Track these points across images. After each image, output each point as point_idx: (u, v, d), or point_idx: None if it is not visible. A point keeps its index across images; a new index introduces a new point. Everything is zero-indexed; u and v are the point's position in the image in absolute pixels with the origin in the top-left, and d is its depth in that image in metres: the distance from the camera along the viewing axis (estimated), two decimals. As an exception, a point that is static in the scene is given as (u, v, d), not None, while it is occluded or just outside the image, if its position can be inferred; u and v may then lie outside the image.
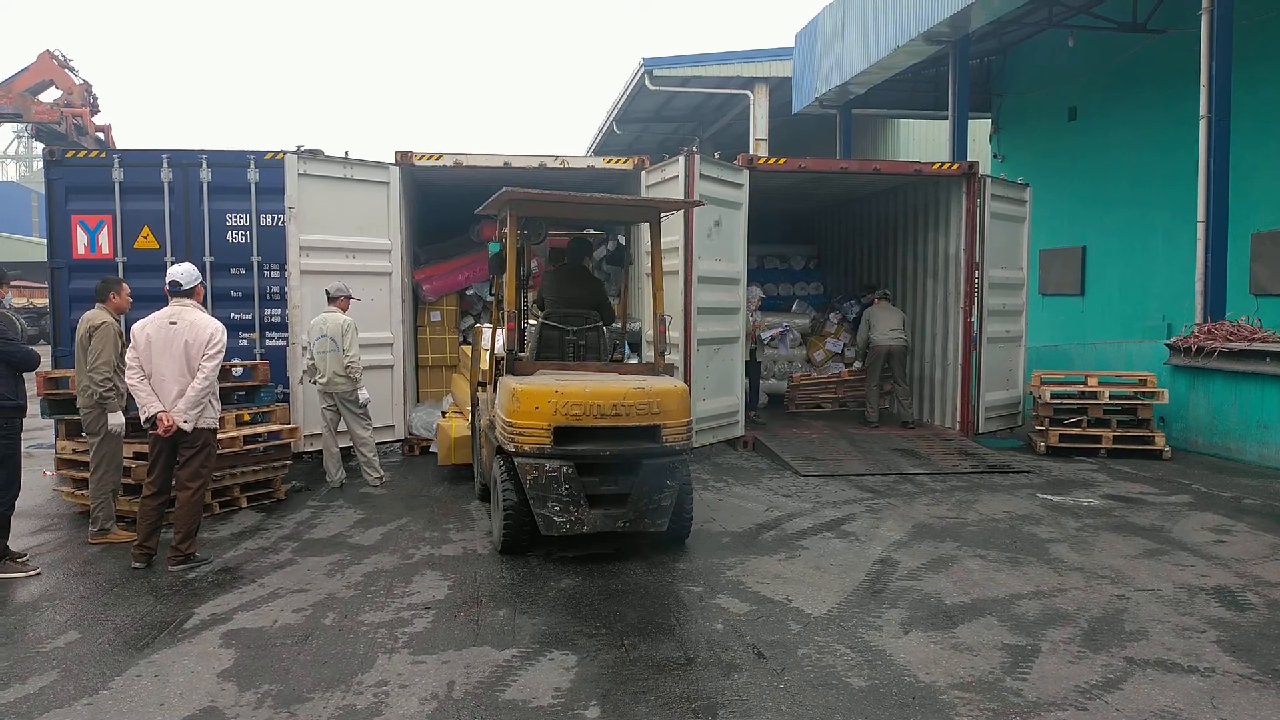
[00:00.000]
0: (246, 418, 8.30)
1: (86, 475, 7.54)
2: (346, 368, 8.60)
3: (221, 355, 6.25)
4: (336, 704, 4.18)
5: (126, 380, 6.29)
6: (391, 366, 10.27)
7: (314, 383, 8.80)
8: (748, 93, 21.01)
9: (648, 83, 20.71)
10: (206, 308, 6.48)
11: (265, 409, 8.51)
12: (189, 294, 6.35)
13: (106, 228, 10.03)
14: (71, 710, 4.14)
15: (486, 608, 5.44)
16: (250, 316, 10.30)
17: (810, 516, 7.67)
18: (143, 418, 6.19)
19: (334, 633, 5.05)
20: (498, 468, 6.48)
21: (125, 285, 7.18)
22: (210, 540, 6.81)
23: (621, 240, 11.26)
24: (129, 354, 6.22)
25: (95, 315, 6.93)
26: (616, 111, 23.86)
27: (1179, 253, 12.89)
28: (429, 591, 5.74)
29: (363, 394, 8.79)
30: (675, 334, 10.19)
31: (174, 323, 6.19)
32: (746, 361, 11.24)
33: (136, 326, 6.28)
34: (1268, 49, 12.43)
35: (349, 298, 8.96)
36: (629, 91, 21.97)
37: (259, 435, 8.09)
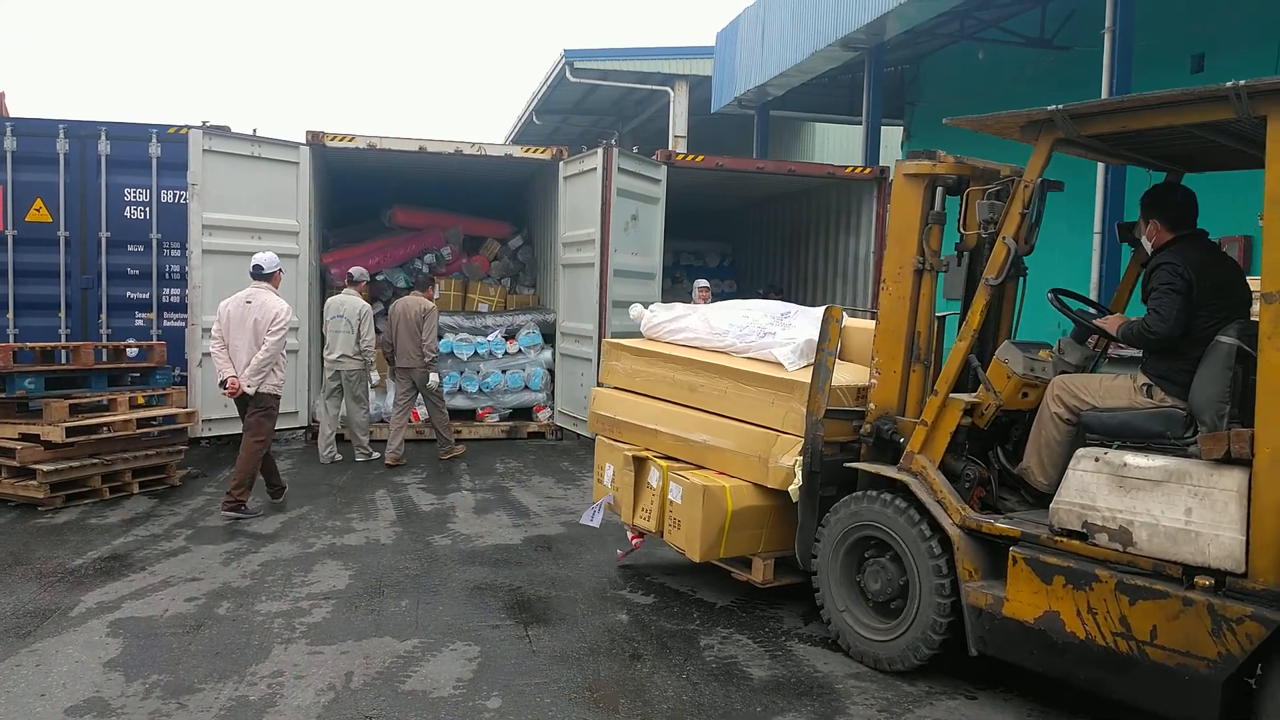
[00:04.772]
0: (140, 400, 8.03)
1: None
2: (363, 353, 9.16)
3: (284, 332, 7.08)
4: (229, 695, 4.07)
5: (210, 349, 7.22)
6: (297, 351, 9.99)
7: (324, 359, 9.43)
8: (668, 89, 21.08)
9: (569, 74, 20.59)
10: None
11: (160, 391, 8.22)
12: (268, 278, 7.25)
13: (-5, 198, 9.57)
14: (-59, 702, 3.94)
15: (389, 598, 5.36)
16: (148, 296, 9.96)
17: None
18: (217, 381, 7.17)
19: (228, 622, 4.91)
20: None
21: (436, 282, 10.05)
22: (99, 526, 6.57)
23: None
24: (214, 328, 7.14)
25: (421, 302, 9.26)
26: (536, 101, 23.67)
27: (1076, 263, 13.40)
28: (329, 581, 5.63)
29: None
30: (589, 327, 10.20)
31: (249, 302, 7.10)
32: None
33: (221, 305, 7.22)
34: (1165, 69, 13.01)
35: (370, 283, 9.59)
36: (550, 82, 21.81)
37: (153, 419, 7.83)
